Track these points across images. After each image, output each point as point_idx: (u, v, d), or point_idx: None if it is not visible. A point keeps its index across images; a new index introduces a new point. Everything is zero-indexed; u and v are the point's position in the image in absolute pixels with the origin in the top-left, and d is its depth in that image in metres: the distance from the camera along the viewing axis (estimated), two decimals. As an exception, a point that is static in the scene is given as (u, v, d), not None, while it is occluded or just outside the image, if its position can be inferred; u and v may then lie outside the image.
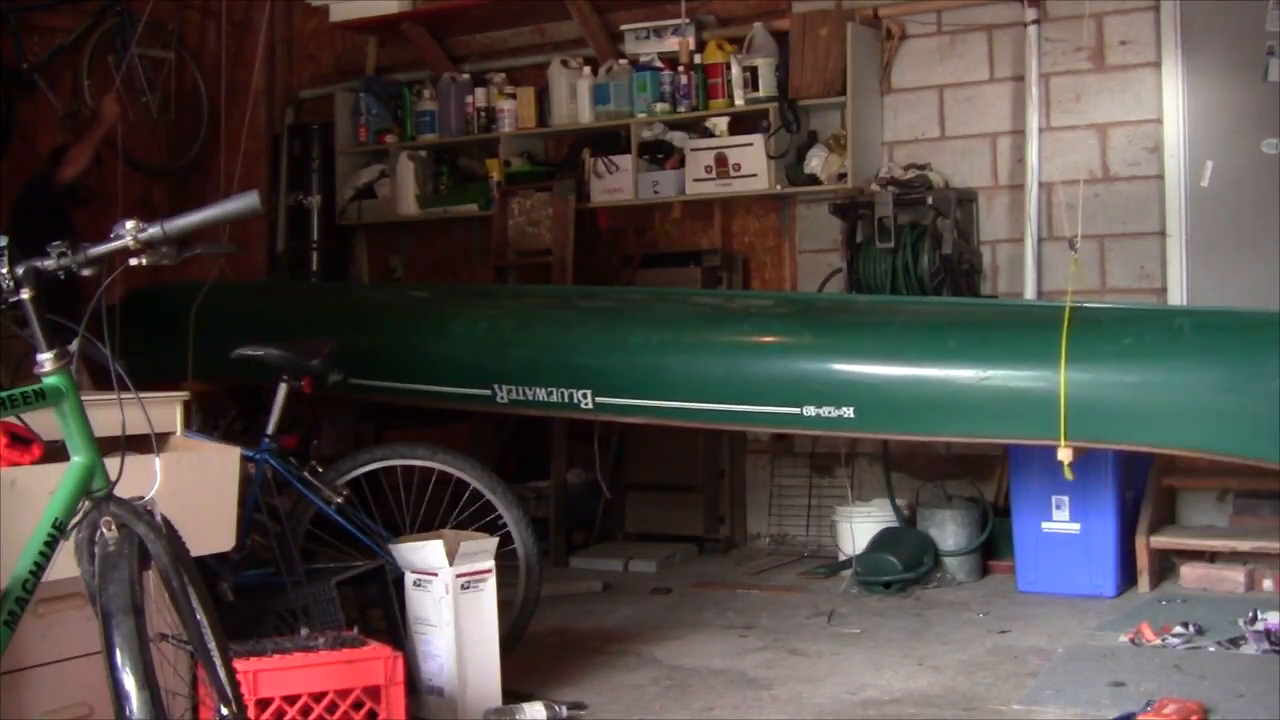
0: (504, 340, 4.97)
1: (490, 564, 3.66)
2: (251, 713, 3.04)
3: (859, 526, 5.44)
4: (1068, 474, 4.19)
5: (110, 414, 2.31)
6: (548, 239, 6.12)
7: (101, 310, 2.20)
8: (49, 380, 2.23)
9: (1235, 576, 4.81)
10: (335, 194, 6.88)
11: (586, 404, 4.75)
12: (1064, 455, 4.14)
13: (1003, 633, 4.44)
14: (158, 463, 2.36)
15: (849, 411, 4.38)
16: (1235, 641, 4.08)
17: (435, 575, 3.61)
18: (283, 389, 3.98)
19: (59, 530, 2.21)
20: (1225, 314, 4.27)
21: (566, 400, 4.78)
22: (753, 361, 4.59)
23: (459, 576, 3.58)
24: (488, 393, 4.92)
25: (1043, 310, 4.47)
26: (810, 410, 4.42)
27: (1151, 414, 4.08)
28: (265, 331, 5.09)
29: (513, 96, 6.41)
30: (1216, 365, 4.03)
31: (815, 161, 5.72)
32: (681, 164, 5.94)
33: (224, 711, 2.36)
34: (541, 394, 4.82)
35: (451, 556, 3.58)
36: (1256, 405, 3.93)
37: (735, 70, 5.81)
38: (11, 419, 2.66)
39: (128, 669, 2.02)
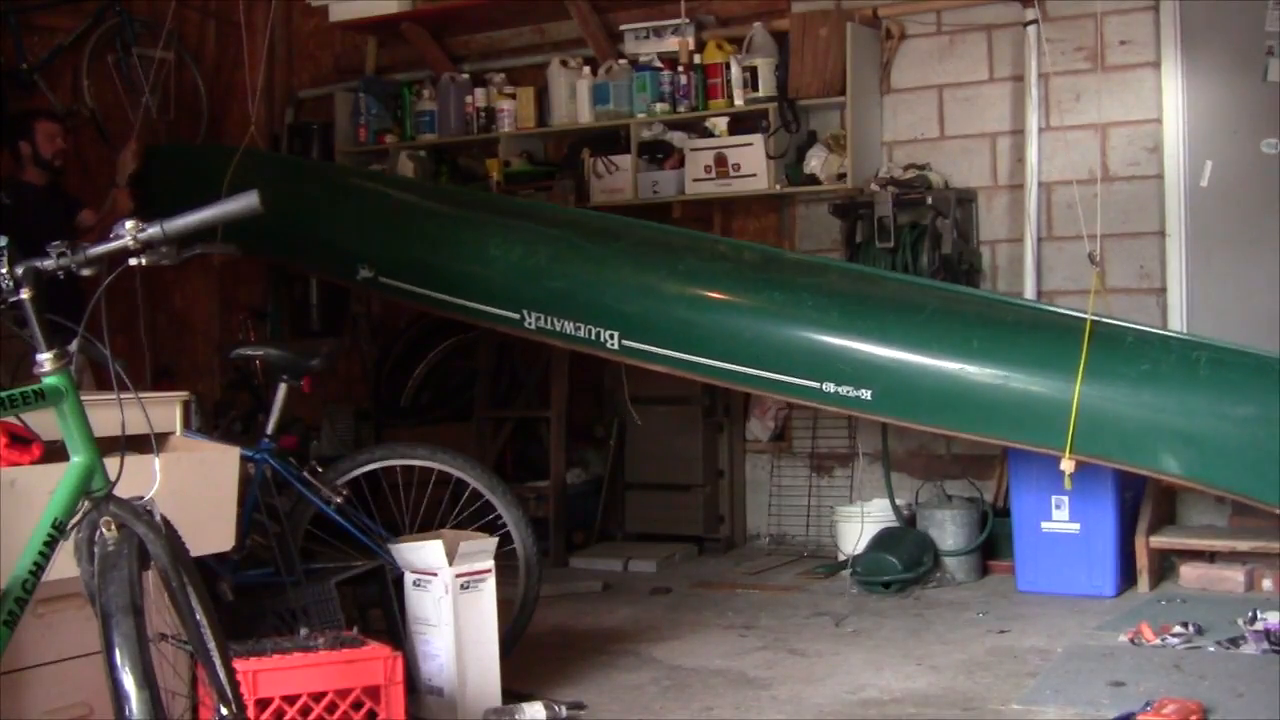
0: (539, 269, 4.97)
1: (490, 564, 3.66)
2: (251, 713, 3.04)
3: (859, 526, 5.44)
4: (1067, 484, 4.25)
5: (110, 414, 2.31)
6: (548, 239, 6.10)
7: (102, 310, 2.20)
8: (49, 380, 2.23)
9: (1235, 576, 4.81)
10: (335, 194, 6.87)
11: (612, 344, 4.78)
12: (1066, 466, 4.19)
13: (1002, 633, 4.44)
14: (157, 463, 2.36)
15: (867, 394, 4.42)
16: (1235, 641, 4.08)
17: (435, 575, 3.60)
18: (283, 389, 3.97)
19: (59, 530, 2.22)
20: (1243, 353, 4.22)
21: (593, 338, 4.81)
22: (781, 329, 4.60)
23: (459, 576, 3.58)
24: (517, 316, 4.95)
25: (1066, 320, 4.44)
26: (830, 387, 4.46)
27: (1158, 439, 4.12)
28: (300, 219, 5.28)
29: (512, 96, 6.40)
30: (1227, 402, 4.06)
31: (815, 161, 5.71)
32: (681, 164, 5.93)
33: (224, 711, 2.36)
34: (569, 327, 4.84)
35: (451, 556, 3.58)
36: (1262, 445, 3.97)
37: (735, 70, 5.81)
38: (11, 419, 2.66)
39: (127, 669, 2.02)
